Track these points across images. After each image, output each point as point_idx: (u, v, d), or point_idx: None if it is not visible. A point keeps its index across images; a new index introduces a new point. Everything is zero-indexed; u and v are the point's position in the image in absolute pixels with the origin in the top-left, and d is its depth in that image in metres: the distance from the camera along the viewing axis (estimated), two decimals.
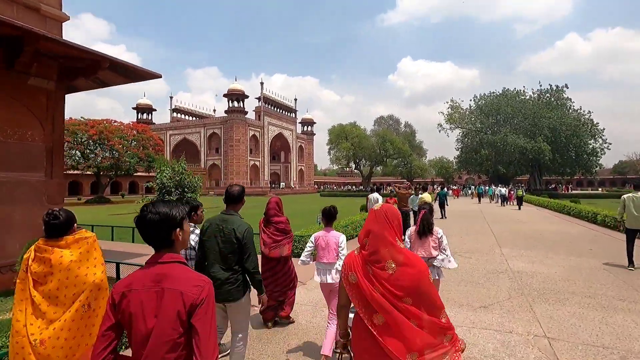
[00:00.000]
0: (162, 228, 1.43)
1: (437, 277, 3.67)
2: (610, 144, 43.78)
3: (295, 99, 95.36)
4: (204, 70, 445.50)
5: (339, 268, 3.30)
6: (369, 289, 1.73)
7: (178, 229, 1.47)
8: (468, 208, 24.50)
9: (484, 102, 48.90)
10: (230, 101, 75.66)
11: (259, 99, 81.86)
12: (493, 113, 46.76)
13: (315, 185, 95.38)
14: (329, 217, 3.65)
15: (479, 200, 30.12)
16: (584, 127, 42.47)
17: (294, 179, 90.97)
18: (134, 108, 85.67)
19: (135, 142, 44.36)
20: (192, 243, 3.26)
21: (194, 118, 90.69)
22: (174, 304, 1.35)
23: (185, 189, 10.53)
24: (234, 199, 2.92)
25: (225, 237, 2.76)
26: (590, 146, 43.35)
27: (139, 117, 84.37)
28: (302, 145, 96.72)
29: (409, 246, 3.77)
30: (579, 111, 44.64)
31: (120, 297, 1.40)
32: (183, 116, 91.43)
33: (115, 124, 44.18)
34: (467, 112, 49.44)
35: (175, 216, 1.46)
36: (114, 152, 40.29)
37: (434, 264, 3.63)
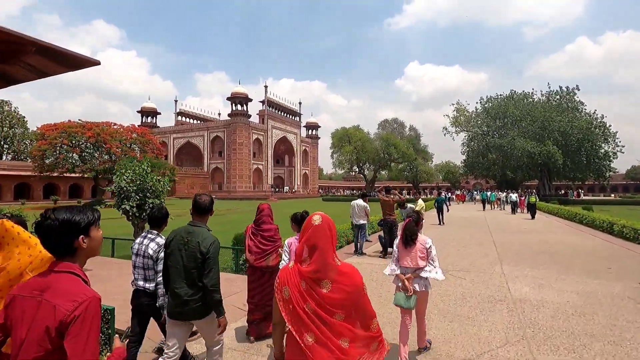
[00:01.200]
0: (62, 235, 1.37)
1: (424, 289, 3.50)
2: (623, 146, 41.94)
3: (300, 102, 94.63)
4: (213, 75, 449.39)
5: None
6: (300, 305, 1.70)
7: (82, 237, 1.41)
8: (472, 215, 23.05)
9: (490, 104, 47.31)
10: (233, 104, 75.11)
11: (262, 102, 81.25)
12: (500, 116, 45.15)
13: (320, 190, 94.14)
14: (298, 222, 3.67)
15: (484, 207, 28.54)
16: (596, 130, 40.65)
17: (298, 183, 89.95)
18: (138, 111, 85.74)
19: (134, 146, 43.76)
20: (150, 252, 3.05)
21: (199, 121, 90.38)
22: (45, 317, 1.29)
23: (148, 194, 9.43)
24: (202, 210, 2.78)
25: (190, 251, 2.61)
26: (603, 150, 41.49)
27: (143, 121, 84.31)
28: (307, 149, 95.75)
29: (396, 257, 3.64)
30: (591, 114, 42.82)
31: (11, 300, 1.38)
32: (188, 120, 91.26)
33: (115, 127, 43.62)
34: (473, 115, 47.90)
35: (79, 222, 1.39)
36: (112, 156, 39.65)
37: (421, 275, 3.48)
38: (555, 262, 8.13)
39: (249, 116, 76.28)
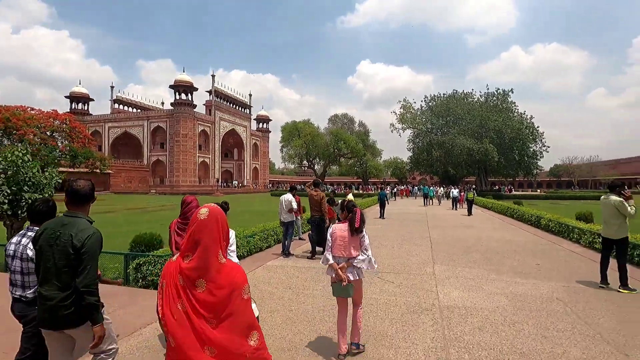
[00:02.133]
0: None
1: (357, 278, 3.47)
2: (548, 147, 45.85)
3: (250, 95, 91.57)
4: (158, 63, 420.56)
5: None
6: (173, 302, 1.59)
7: None
8: (413, 210, 23.28)
9: (434, 103, 49.05)
10: (177, 93, 70.38)
11: (209, 92, 77.18)
12: (443, 114, 46.96)
13: (270, 185, 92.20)
14: None
15: (424, 202, 29.16)
16: (526, 130, 43.80)
17: (248, 178, 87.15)
18: (66, 97, 76.99)
19: (55, 134, 38.80)
20: (30, 252, 2.52)
21: (138, 110, 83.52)
22: None
23: (25, 187, 7.62)
24: (79, 197, 2.33)
25: (61, 246, 2.18)
26: (532, 149, 44.93)
27: (73, 107, 76.03)
28: (257, 142, 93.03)
29: (330, 245, 3.51)
30: (522, 115, 46.09)
31: None
32: (127, 108, 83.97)
33: (33, 112, 38.26)
34: (419, 113, 49.33)
35: None
36: (26, 144, 34.66)
37: (354, 263, 3.44)
38: (487, 260, 7.82)
39: (195, 106, 72.05)
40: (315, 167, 66.46)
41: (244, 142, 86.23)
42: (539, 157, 45.29)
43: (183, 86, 69.98)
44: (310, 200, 8.12)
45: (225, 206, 3.67)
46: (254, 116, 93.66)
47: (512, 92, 47.14)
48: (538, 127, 45.17)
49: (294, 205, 8.32)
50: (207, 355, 1.55)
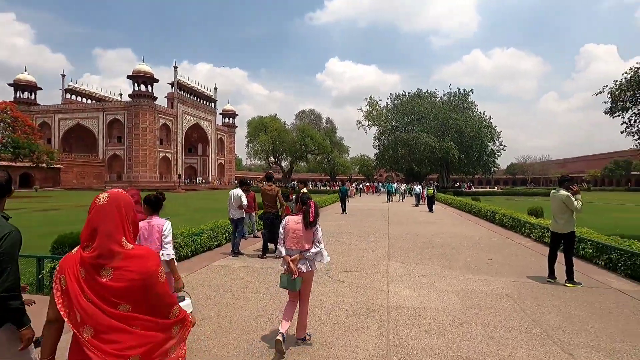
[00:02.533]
0: None
1: (310, 269, 3.46)
2: (505, 146, 48.11)
3: (215, 88, 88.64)
4: (117, 52, 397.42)
5: (165, 258, 3.22)
6: (77, 295, 1.49)
7: None
8: (376, 206, 23.36)
9: (399, 101, 49.85)
10: (136, 84, 66.56)
11: (171, 84, 73.78)
12: (408, 112, 47.82)
13: (236, 181, 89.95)
14: (151, 204, 3.45)
15: (388, 199, 29.39)
16: (485, 129, 45.59)
17: (213, 174, 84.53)
18: (10, 84, 70.58)
19: None
20: None
21: (93, 101, 78.23)
22: None
23: None
24: None
25: None
26: (490, 148, 46.89)
27: (18, 96, 69.91)
28: (223, 137, 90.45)
29: (282, 238, 3.48)
30: (482, 115, 47.94)
31: None
32: (80, 99, 78.39)
33: None
34: (384, 110, 49.93)
35: None
36: None
37: (307, 256, 3.41)
38: (442, 256, 7.72)
39: (155, 98, 68.58)
40: (282, 163, 65.58)
41: (209, 137, 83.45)
42: (496, 155, 47.37)
43: (143, 77, 66.33)
44: (264, 195, 7.61)
45: (160, 197, 3.49)
46: (219, 111, 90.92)
47: (472, 92, 48.95)
48: (496, 126, 47.18)
49: (244, 201, 7.77)
50: (127, 338, 1.50)
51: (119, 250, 1.53)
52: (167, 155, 72.63)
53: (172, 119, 72.57)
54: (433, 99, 49.45)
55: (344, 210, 17.65)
